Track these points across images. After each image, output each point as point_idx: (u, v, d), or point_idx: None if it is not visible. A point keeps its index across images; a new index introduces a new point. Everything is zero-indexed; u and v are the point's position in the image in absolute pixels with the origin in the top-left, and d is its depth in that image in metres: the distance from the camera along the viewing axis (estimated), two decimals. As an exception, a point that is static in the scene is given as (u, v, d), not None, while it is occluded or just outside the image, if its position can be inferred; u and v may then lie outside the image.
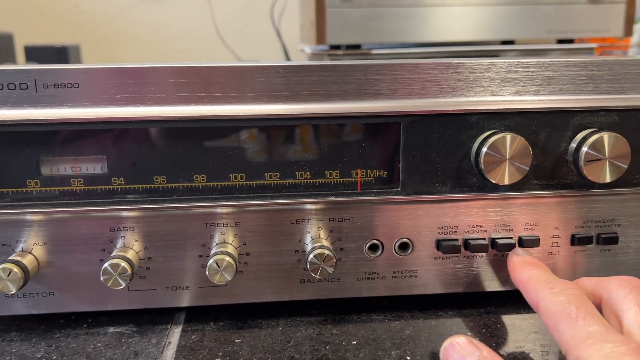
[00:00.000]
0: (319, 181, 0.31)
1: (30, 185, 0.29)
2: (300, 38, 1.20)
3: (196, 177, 0.30)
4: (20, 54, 1.13)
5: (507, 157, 0.29)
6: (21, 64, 0.29)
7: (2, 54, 1.08)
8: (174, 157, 0.30)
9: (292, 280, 0.32)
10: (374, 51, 0.89)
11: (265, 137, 0.30)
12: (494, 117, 0.30)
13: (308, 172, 0.31)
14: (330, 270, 0.30)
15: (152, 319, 0.32)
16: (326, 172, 0.31)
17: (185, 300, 0.32)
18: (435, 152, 0.30)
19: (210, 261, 0.29)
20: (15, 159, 0.29)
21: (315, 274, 0.30)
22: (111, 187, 0.30)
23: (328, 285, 0.32)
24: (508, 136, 0.29)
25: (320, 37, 0.86)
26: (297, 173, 0.30)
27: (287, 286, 0.32)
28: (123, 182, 0.30)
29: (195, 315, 0.32)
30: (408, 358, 0.28)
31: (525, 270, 0.29)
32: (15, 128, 0.28)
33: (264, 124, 0.29)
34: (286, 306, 0.33)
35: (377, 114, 0.30)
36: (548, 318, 0.25)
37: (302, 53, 1.19)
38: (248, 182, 0.30)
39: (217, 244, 0.31)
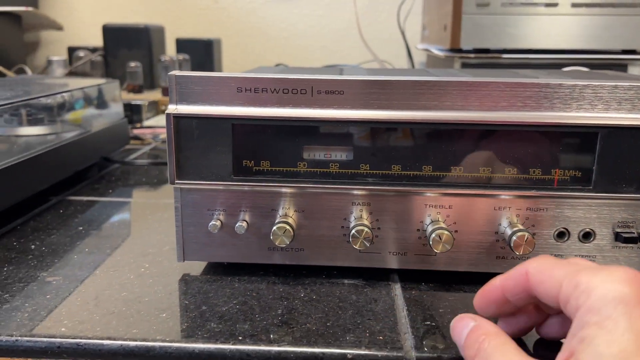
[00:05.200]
0: (522, 177, 0.38)
1: (300, 167, 0.39)
2: (422, 38, 1.27)
3: (424, 167, 0.38)
4: (170, 45, 1.28)
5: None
6: (299, 74, 0.38)
7: (157, 43, 1.22)
8: (408, 150, 0.38)
9: (490, 256, 0.39)
10: (504, 55, 0.94)
11: (492, 141, 0.37)
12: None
13: (515, 169, 0.38)
14: (529, 249, 0.37)
15: (374, 276, 0.40)
16: (530, 169, 0.38)
17: (399, 263, 0.40)
18: (626, 159, 0.36)
19: (433, 235, 0.37)
20: (289, 145, 0.38)
21: (518, 252, 0.37)
22: (358, 171, 0.38)
23: (519, 262, 0.39)
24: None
25: (454, 41, 0.92)
26: (506, 169, 0.38)
27: (484, 261, 0.39)
28: (368, 168, 0.38)
29: (407, 277, 0.40)
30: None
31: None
32: (293, 123, 0.38)
33: (492, 128, 0.37)
34: (481, 276, 0.40)
35: (580, 125, 0.36)
36: None
37: (423, 53, 1.25)
38: (466, 174, 0.38)
39: (432, 222, 0.38)
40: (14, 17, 1.20)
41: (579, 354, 0.23)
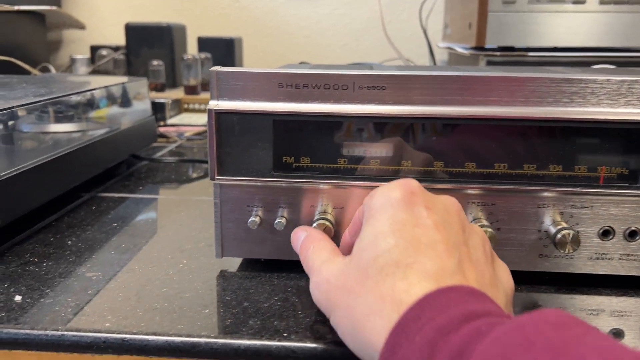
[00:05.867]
0: (567, 174, 0.37)
1: (340, 163, 0.38)
2: (443, 37, 1.26)
3: (467, 164, 0.37)
4: (191, 44, 1.28)
5: None
6: (340, 69, 0.38)
7: (179, 42, 1.23)
8: (450, 147, 0.37)
9: (532, 255, 0.39)
10: (530, 53, 0.93)
11: (537, 137, 0.37)
12: None
13: (560, 166, 0.37)
14: (575, 247, 0.36)
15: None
16: (575, 166, 0.37)
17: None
18: (676, 156, 0.36)
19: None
20: (330, 142, 0.38)
21: (563, 250, 0.36)
22: (399, 168, 0.38)
23: (564, 261, 0.39)
24: None
25: (479, 39, 0.92)
26: (550, 166, 0.37)
27: (527, 259, 0.39)
28: (409, 165, 0.38)
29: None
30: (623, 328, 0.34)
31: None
32: (334, 119, 0.37)
33: (537, 124, 0.36)
34: (523, 274, 0.40)
35: (628, 121, 0.35)
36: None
37: (444, 51, 1.25)
38: (510, 171, 0.37)
39: (474, 219, 0.38)
40: (38, 16, 1.21)
41: (355, 246, 0.30)
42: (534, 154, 0.37)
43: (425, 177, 0.38)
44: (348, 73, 0.37)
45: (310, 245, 0.34)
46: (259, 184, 0.39)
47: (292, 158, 0.38)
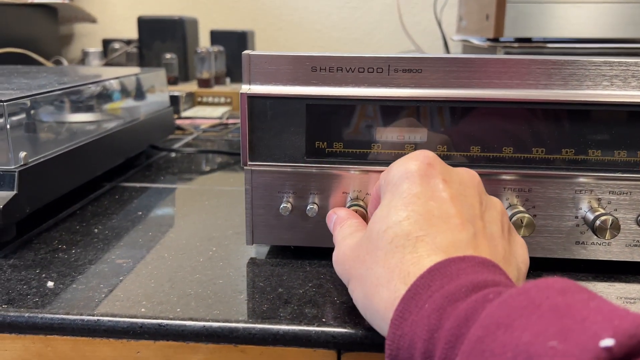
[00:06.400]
0: (605, 159, 0.36)
1: (374, 148, 0.38)
2: (457, 29, 1.25)
3: (504, 149, 0.37)
4: (204, 37, 1.27)
5: None
6: (375, 53, 0.37)
7: (191, 35, 1.22)
8: (486, 131, 0.37)
9: (569, 241, 0.38)
10: (549, 45, 0.92)
11: (575, 121, 0.36)
12: None
13: (598, 151, 0.36)
14: (615, 233, 0.36)
15: (447, 262, 0.39)
16: (614, 151, 0.36)
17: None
18: None
19: (514, 218, 0.36)
20: (363, 126, 0.37)
21: (603, 236, 0.36)
22: (434, 153, 0.37)
23: (601, 248, 0.38)
24: None
25: (498, 30, 0.91)
26: (589, 151, 0.36)
27: (563, 246, 0.38)
28: (445, 150, 0.37)
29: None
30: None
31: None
32: (370, 103, 0.37)
33: (576, 107, 0.36)
34: (560, 262, 0.39)
35: (670, 105, 0.35)
36: None
37: (458, 44, 1.24)
38: (548, 156, 0.37)
39: (511, 205, 0.37)
40: (50, 9, 1.21)
41: (370, 219, 0.30)
42: (572, 139, 0.36)
43: (461, 162, 0.37)
44: (383, 56, 0.36)
45: (338, 225, 0.35)
46: (290, 169, 0.38)
47: (325, 143, 0.38)
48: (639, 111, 0.35)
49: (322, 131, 0.38)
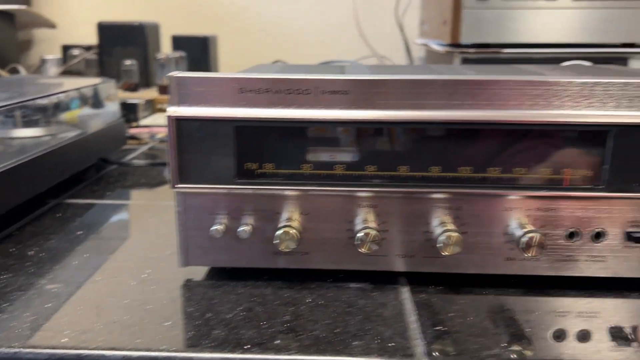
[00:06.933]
0: (532, 176, 0.37)
1: (304, 168, 0.38)
2: (420, 33, 1.25)
3: (432, 168, 0.37)
4: (166, 42, 1.26)
5: None
6: (302, 73, 0.37)
7: (152, 41, 1.21)
8: (415, 151, 0.37)
9: (499, 258, 0.39)
10: (505, 50, 0.93)
11: (501, 140, 0.36)
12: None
13: (524, 169, 0.37)
14: (540, 250, 0.36)
15: (381, 279, 0.40)
16: (540, 169, 0.37)
17: (407, 266, 0.39)
18: (638, 158, 0.36)
19: (442, 237, 0.36)
20: (293, 147, 0.37)
21: (529, 253, 0.36)
22: (364, 173, 0.37)
23: (530, 263, 0.38)
24: None
25: (454, 36, 0.91)
26: (515, 169, 0.37)
27: (494, 262, 0.39)
28: (374, 170, 0.37)
29: (415, 280, 0.40)
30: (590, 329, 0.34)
31: None
32: (297, 124, 0.37)
33: (501, 127, 0.36)
34: (490, 278, 0.39)
35: (591, 124, 0.35)
36: None
37: (421, 48, 1.24)
38: (475, 175, 0.37)
39: (440, 223, 0.38)
40: (7, 15, 1.19)
41: None
42: (497, 157, 0.37)
43: (389, 182, 0.37)
44: (310, 78, 0.36)
45: None
46: (221, 191, 0.38)
47: (256, 164, 0.38)
48: (562, 130, 0.36)
49: (252, 152, 0.38)
